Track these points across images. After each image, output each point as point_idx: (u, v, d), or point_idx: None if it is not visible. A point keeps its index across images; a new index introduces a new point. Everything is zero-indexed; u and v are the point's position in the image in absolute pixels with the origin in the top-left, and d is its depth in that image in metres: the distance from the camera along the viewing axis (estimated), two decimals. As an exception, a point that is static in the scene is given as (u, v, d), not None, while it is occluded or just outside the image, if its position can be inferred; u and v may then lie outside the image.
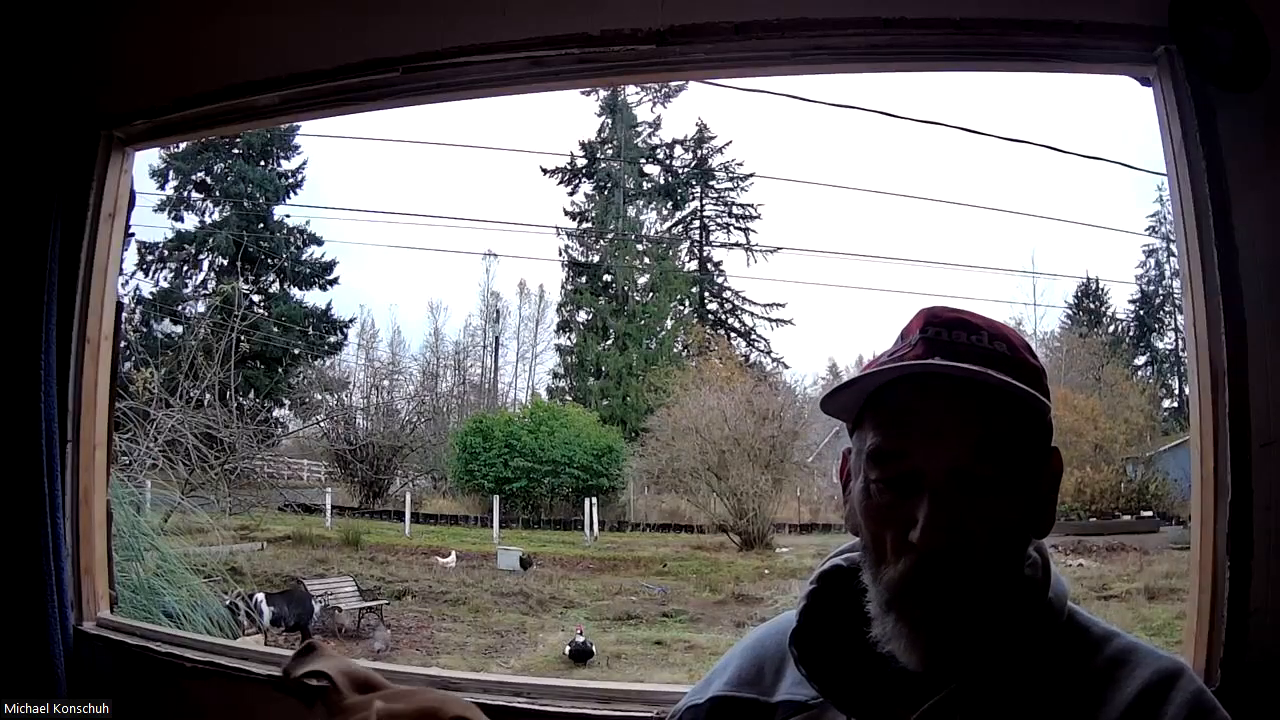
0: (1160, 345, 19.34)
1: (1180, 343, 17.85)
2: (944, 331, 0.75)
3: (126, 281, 17.78)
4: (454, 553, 12.13)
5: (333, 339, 19.87)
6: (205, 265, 19.20)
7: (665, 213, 21.89)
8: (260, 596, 7.93)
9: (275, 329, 18.27)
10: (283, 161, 19.82)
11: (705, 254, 21.90)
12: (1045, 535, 0.77)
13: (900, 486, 0.72)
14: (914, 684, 0.72)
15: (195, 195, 19.50)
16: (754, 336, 21.53)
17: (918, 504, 0.70)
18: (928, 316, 0.77)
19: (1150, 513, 12.64)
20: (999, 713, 0.70)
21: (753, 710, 0.82)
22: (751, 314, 21.57)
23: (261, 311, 17.67)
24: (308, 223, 19.80)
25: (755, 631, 0.91)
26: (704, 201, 21.80)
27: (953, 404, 0.71)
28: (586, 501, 14.40)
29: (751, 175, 21.30)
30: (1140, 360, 18.99)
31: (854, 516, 0.77)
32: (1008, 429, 0.71)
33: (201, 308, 16.62)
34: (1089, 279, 19.02)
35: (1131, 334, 19.33)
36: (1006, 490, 0.71)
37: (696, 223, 21.91)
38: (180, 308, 18.34)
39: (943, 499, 0.69)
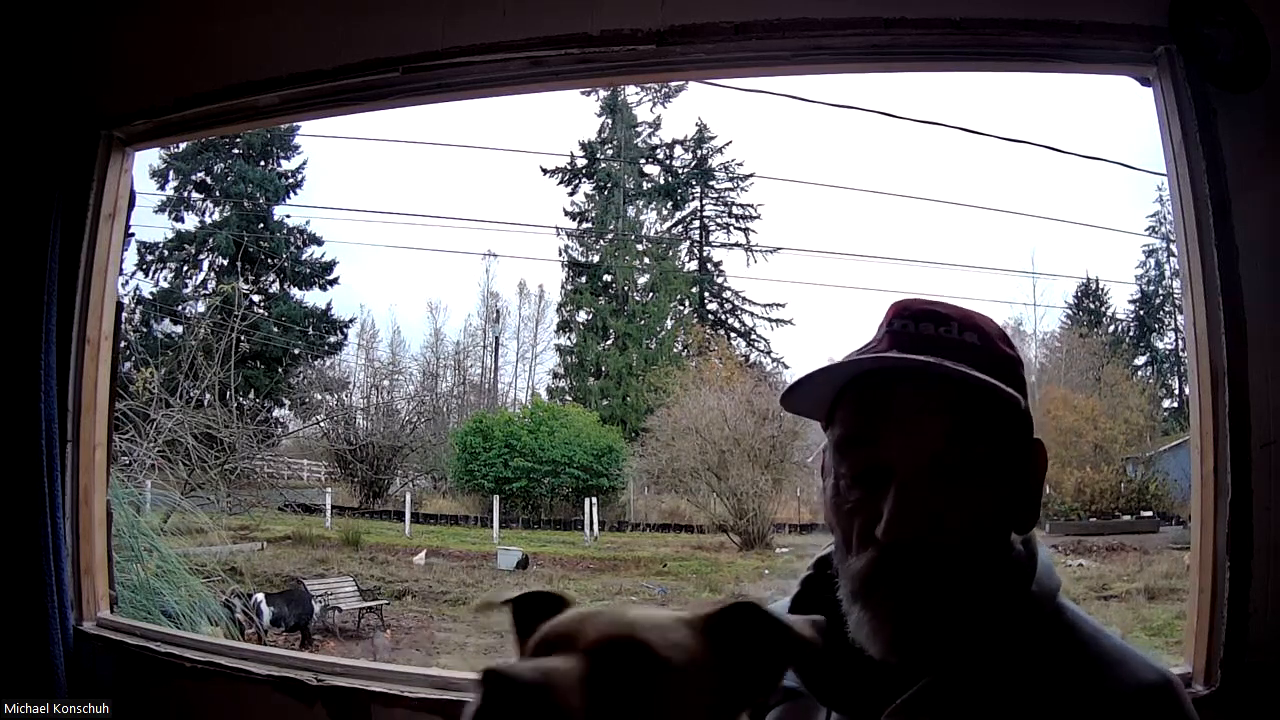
0: (1160, 345, 19.36)
1: (1180, 343, 17.86)
2: (911, 324, 0.74)
3: (126, 281, 17.81)
4: (424, 551, 12.23)
5: (333, 339, 19.92)
6: (205, 265, 19.26)
7: (665, 213, 21.92)
8: (260, 597, 7.90)
9: (275, 329, 18.28)
10: (283, 161, 19.88)
11: (705, 254, 21.94)
12: (1028, 530, 0.75)
13: (868, 482, 0.70)
14: (891, 677, 0.71)
15: (195, 195, 19.55)
16: (754, 336, 21.57)
17: (884, 498, 0.68)
18: (898, 310, 0.76)
19: (1150, 513, 12.64)
20: (975, 707, 0.69)
21: None
22: (751, 314, 21.62)
23: (261, 311, 17.68)
24: (308, 223, 19.88)
25: None
26: (704, 201, 21.83)
27: (919, 395, 0.69)
28: (586, 501, 14.39)
29: (751, 175, 21.36)
30: (1140, 360, 19.00)
31: (828, 513, 0.76)
32: (979, 417, 0.69)
33: (201, 308, 16.62)
34: (1089, 279, 19.08)
35: (1131, 334, 19.34)
36: (981, 477, 0.69)
37: (696, 223, 21.93)
38: (180, 308, 18.36)
39: (910, 491, 0.68)
